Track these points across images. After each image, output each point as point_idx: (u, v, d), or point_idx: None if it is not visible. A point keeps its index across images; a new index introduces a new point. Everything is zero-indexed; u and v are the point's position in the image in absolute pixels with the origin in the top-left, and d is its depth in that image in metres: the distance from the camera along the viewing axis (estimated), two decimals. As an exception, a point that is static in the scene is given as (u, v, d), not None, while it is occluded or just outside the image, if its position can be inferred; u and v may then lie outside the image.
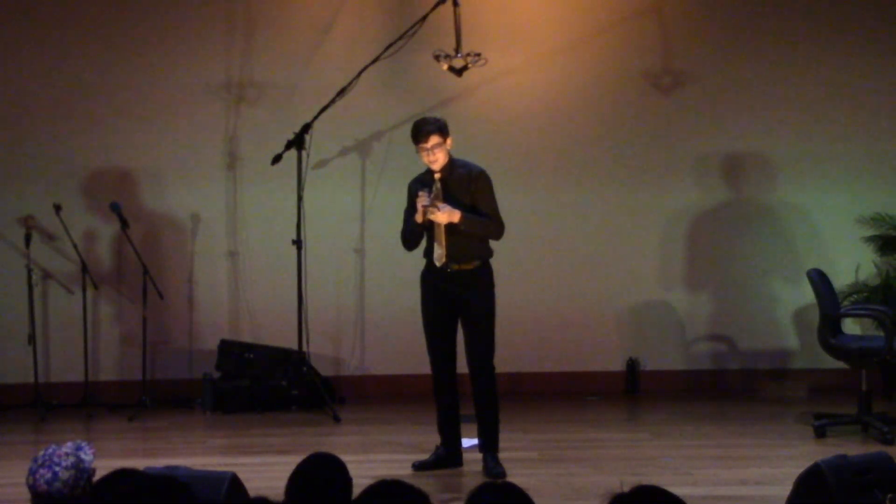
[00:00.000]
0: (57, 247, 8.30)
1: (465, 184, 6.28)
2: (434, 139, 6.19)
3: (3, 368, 8.27)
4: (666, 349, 8.66)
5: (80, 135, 8.36)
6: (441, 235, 6.21)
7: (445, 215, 6.14)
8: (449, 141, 6.25)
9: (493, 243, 6.39)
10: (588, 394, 8.49)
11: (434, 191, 6.23)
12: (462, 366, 6.39)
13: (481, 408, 6.36)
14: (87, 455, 4.26)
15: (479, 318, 6.29)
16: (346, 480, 3.67)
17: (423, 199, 6.16)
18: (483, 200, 6.29)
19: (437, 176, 6.26)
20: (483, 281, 6.31)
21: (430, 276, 6.36)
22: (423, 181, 6.34)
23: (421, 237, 6.35)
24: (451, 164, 6.30)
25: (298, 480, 3.64)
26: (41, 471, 3.95)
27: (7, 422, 7.81)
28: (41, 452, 4.12)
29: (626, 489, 3.01)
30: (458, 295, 6.28)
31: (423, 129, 6.21)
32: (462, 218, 6.16)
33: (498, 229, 6.32)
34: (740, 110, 8.57)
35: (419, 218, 6.19)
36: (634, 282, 8.63)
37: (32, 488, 3.98)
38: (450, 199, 6.24)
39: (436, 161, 6.23)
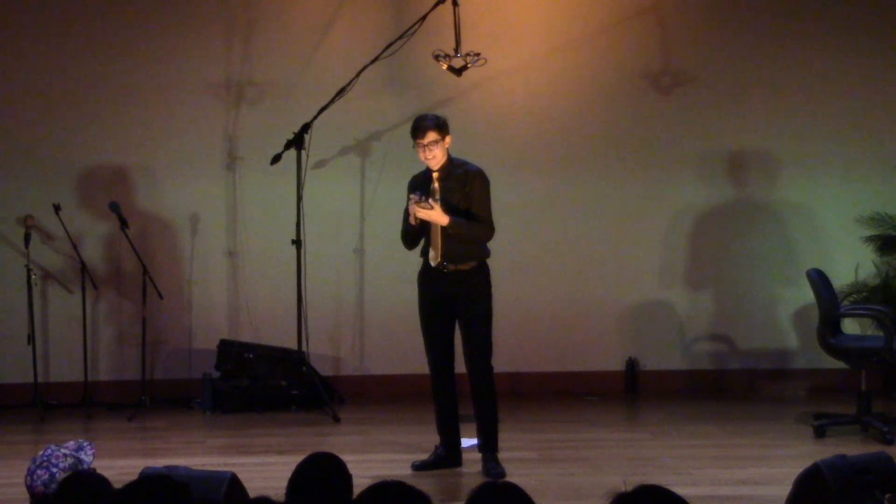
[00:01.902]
0: (56, 247, 8.29)
1: (461, 183, 6.27)
2: (431, 135, 6.18)
3: (2, 368, 8.25)
4: (666, 349, 8.66)
5: (80, 135, 8.35)
6: (437, 237, 6.21)
7: (434, 215, 6.12)
8: (448, 139, 6.24)
9: (492, 243, 6.38)
10: (588, 394, 8.49)
11: (430, 191, 6.22)
12: (460, 365, 6.40)
13: (480, 408, 6.35)
14: (87, 456, 4.25)
15: (476, 318, 6.29)
16: (347, 480, 3.67)
17: (413, 204, 6.15)
18: (477, 200, 6.27)
19: (434, 175, 6.26)
20: (479, 281, 6.30)
21: (427, 277, 6.36)
22: (421, 179, 6.34)
23: (419, 237, 6.34)
24: (450, 163, 6.29)
25: (299, 480, 3.64)
26: (38, 472, 3.95)
27: (7, 422, 7.80)
28: (40, 453, 4.12)
29: (629, 488, 3.01)
30: (455, 295, 6.28)
31: (420, 125, 6.20)
32: (450, 222, 6.15)
33: (487, 232, 6.30)
34: (740, 110, 8.57)
35: (412, 220, 6.20)
36: (634, 281, 8.63)
37: (30, 489, 3.97)
38: (445, 198, 6.23)
39: (433, 158, 6.22)
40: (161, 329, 8.41)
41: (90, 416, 7.92)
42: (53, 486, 3.92)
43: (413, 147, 6.26)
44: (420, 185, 6.29)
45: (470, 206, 6.26)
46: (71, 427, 7.59)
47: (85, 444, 4.68)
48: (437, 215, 6.14)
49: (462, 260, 6.26)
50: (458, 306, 6.30)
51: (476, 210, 6.27)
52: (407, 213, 6.31)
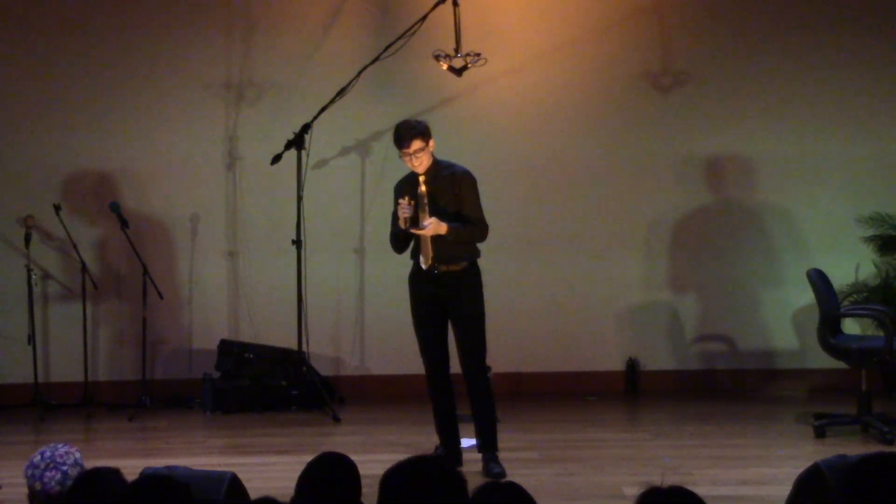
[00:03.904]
0: (57, 247, 8.30)
1: (449, 185, 6.28)
2: (416, 144, 6.18)
3: (3, 368, 8.26)
4: (666, 349, 8.66)
5: (80, 135, 8.36)
6: (427, 240, 6.21)
7: (432, 230, 6.14)
8: (431, 143, 6.24)
9: (492, 242, 6.39)
10: (588, 394, 8.49)
11: (418, 195, 6.22)
12: (456, 365, 6.40)
13: (477, 408, 6.35)
14: (77, 454, 4.25)
15: (469, 318, 6.29)
16: (356, 481, 3.65)
17: (403, 208, 6.15)
18: (467, 202, 6.28)
19: (421, 179, 6.25)
20: (471, 281, 6.31)
21: (418, 278, 6.36)
22: (408, 183, 6.33)
23: (409, 240, 6.35)
24: (436, 166, 6.29)
25: (308, 480, 3.62)
26: (48, 473, 3.93)
27: (7, 422, 7.80)
28: (37, 458, 4.09)
29: (665, 485, 3.03)
30: (447, 296, 6.28)
31: (404, 135, 6.20)
32: (448, 230, 6.16)
33: (482, 232, 6.32)
34: (740, 110, 8.56)
35: (402, 224, 6.20)
36: (634, 281, 8.62)
37: (42, 493, 3.93)
38: (434, 201, 6.24)
39: (419, 165, 6.23)
40: (161, 329, 8.42)
41: (90, 416, 7.92)
42: (69, 482, 3.90)
43: (399, 156, 6.27)
44: (407, 189, 6.29)
45: (460, 208, 6.27)
46: (71, 427, 7.60)
47: (66, 445, 4.66)
48: (434, 228, 6.14)
49: (453, 261, 6.26)
50: (451, 307, 6.31)
51: (468, 212, 6.27)
52: (395, 217, 6.31)
